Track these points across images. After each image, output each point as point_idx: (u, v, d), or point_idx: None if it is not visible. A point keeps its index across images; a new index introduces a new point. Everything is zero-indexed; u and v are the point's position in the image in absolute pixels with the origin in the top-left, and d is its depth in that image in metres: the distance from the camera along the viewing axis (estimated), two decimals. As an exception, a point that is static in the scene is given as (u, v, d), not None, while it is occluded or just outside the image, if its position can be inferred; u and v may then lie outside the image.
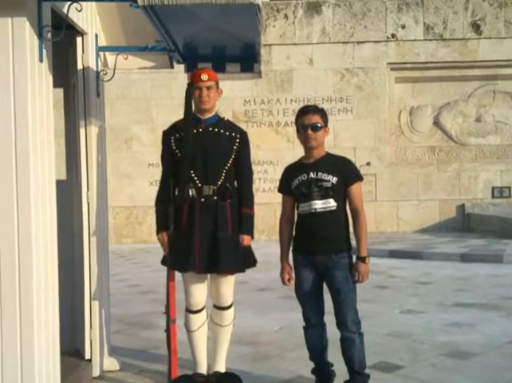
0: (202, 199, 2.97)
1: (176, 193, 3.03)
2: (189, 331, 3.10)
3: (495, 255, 7.39)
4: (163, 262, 3.09)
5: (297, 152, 3.12)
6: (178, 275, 3.05)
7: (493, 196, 10.34)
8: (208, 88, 2.96)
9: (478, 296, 5.36)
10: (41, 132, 2.49)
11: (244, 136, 3.09)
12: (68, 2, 2.52)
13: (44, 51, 2.49)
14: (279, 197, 3.02)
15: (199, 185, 2.97)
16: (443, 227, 10.23)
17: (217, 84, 3.02)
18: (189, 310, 3.08)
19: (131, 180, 10.09)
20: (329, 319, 2.90)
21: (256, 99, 10.20)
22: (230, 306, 3.11)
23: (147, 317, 4.72)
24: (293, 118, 3.19)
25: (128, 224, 10.14)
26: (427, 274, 6.65)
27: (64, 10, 2.54)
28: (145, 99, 10.10)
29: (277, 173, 3.70)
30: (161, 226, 3.04)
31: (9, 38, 2.35)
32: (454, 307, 4.94)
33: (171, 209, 2.99)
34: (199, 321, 3.08)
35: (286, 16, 10.21)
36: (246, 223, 3.04)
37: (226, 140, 3.03)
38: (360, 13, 10.19)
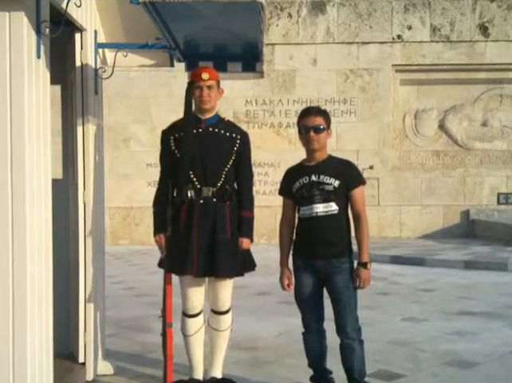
0: (201, 201, 2.93)
1: (175, 194, 2.99)
2: (185, 335, 3.05)
3: (500, 263, 7.31)
4: (160, 264, 3.05)
5: (298, 154, 3.07)
6: (175, 278, 3.01)
7: (498, 202, 10.23)
8: (209, 87, 2.92)
9: (481, 304, 5.29)
10: (38, 130, 2.45)
11: (245, 136, 3.05)
12: (67, -3, 2.47)
13: (42, 47, 2.45)
14: (280, 200, 2.98)
15: (198, 186, 2.93)
16: (446, 233, 10.13)
17: (218, 83, 2.98)
18: (186, 314, 3.04)
19: (129, 180, 9.98)
20: (329, 325, 2.86)
21: (258, 99, 10.11)
22: (227, 311, 3.07)
23: (142, 320, 4.67)
24: (295, 119, 3.14)
25: (124, 225, 10.06)
26: (429, 281, 6.58)
27: (63, 6, 2.50)
28: (144, 97, 9.98)
29: (278, 175, 3.64)
30: (159, 227, 3.00)
31: (6, 33, 2.31)
32: (457, 315, 4.88)
33: (169, 210, 2.96)
34: (196, 325, 3.03)
35: (290, 15, 10.14)
36: (245, 226, 3.01)
37: (227, 140, 2.99)
38: (365, 13, 10.11)
